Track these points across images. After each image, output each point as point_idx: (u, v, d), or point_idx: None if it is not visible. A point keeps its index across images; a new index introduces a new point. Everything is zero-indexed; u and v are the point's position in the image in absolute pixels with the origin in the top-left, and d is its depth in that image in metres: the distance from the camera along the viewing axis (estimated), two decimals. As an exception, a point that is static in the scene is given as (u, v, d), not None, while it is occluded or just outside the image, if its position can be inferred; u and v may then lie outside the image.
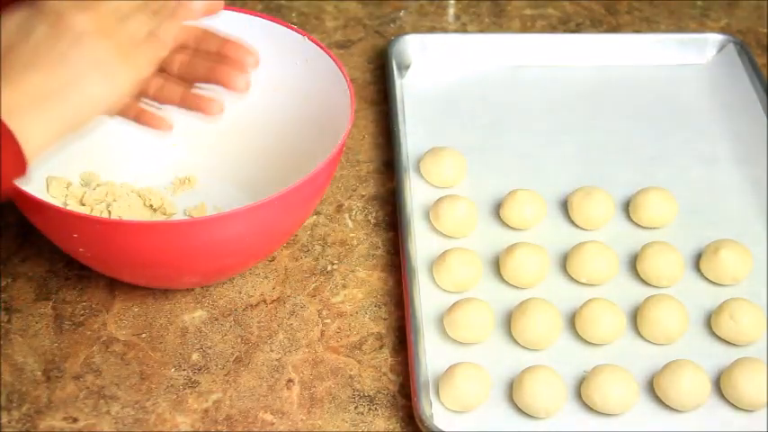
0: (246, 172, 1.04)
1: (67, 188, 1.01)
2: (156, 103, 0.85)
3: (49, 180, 1.00)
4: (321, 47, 0.98)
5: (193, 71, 0.83)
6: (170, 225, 0.88)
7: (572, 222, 1.05)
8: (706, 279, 1.00)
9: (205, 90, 0.84)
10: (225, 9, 0.97)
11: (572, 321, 0.95)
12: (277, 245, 0.99)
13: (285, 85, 1.02)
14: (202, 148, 1.05)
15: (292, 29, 1.00)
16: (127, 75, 0.77)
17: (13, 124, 0.70)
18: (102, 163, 1.03)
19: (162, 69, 0.83)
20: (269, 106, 1.03)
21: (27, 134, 0.71)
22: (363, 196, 1.08)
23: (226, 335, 0.95)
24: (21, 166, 0.71)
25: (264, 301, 0.97)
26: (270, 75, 0.98)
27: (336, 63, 0.97)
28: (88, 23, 0.74)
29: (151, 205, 1.02)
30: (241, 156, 1.05)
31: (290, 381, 0.91)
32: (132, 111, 0.85)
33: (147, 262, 0.89)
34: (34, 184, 0.90)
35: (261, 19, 1.01)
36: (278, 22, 1.01)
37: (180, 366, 0.92)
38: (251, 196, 1.01)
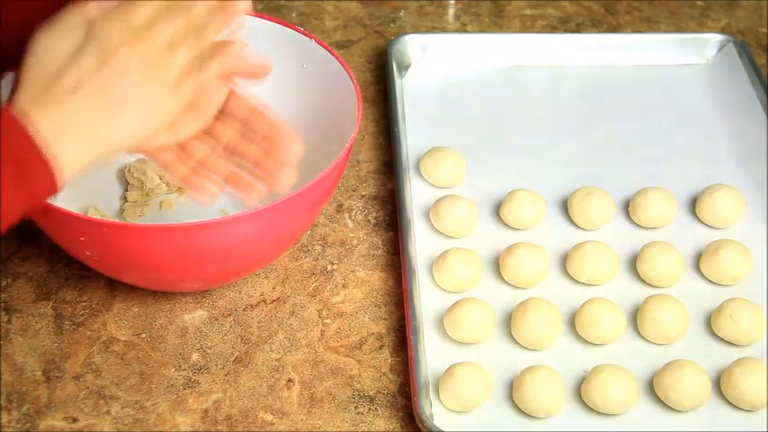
0: None
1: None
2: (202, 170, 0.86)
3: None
4: (328, 49, 0.98)
5: (241, 154, 0.85)
6: (177, 228, 0.87)
7: (572, 222, 1.05)
8: (706, 279, 1.00)
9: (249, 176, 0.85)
10: None
11: (572, 321, 0.95)
12: (284, 248, 0.98)
13: (291, 88, 1.01)
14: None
15: (299, 31, 1.00)
16: (164, 110, 0.77)
17: (54, 145, 0.71)
18: (110, 170, 1.04)
19: (210, 134, 0.84)
20: (275, 108, 1.02)
21: (65, 156, 0.72)
22: (363, 196, 1.08)
23: (226, 335, 0.95)
24: (54, 187, 0.72)
25: (264, 301, 0.97)
26: (276, 77, 0.98)
27: (343, 65, 0.96)
28: (136, 58, 0.74)
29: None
30: None
31: (290, 381, 0.91)
32: (179, 172, 0.85)
33: (154, 265, 0.89)
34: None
35: (268, 21, 1.00)
36: (284, 24, 1.01)
37: (180, 366, 0.92)
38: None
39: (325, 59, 0.98)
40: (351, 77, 0.96)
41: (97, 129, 0.74)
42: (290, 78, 1.01)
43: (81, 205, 1.00)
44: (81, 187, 1.00)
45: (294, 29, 1.01)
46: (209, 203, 0.86)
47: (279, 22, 1.01)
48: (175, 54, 0.76)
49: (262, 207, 0.86)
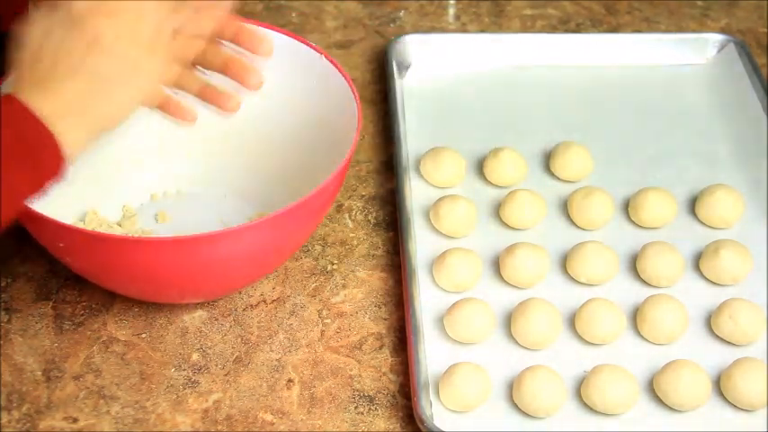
0: (254, 185, 1.03)
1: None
2: (174, 90, 0.86)
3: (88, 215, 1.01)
4: (334, 64, 0.97)
5: (210, 61, 0.84)
6: (167, 242, 0.86)
7: (572, 222, 1.05)
8: (706, 279, 1.00)
9: (223, 84, 0.85)
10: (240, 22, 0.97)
11: (572, 321, 0.95)
12: (286, 257, 0.98)
13: (291, 96, 1.01)
14: (210, 161, 1.05)
15: (310, 46, 0.99)
16: (150, 75, 0.78)
17: (56, 127, 0.73)
18: (111, 175, 1.03)
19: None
20: (277, 119, 1.02)
21: (63, 137, 0.73)
22: (363, 196, 1.08)
23: (226, 335, 0.95)
24: (61, 166, 0.74)
25: (264, 301, 0.97)
26: (279, 88, 0.98)
27: (344, 75, 0.96)
28: (105, 28, 0.75)
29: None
30: (248, 168, 1.04)
31: (290, 381, 0.91)
32: (157, 98, 0.86)
33: (149, 279, 0.88)
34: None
35: (273, 32, 1.00)
36: (293, 37, 1.00)
37: (180, 366, 0.92)
38: (258, 209, 1.02)
39: (329, 73, 0.97)
40: (352, 90, 0.95)
41: (88, 109, 0.75)
42: (292, 89, 1.00)
43: (80, 209, 1.00)
44: (81, 191, 0.99)
45: (302, 41, 1.00)
46: (191, 123, 0.86)
47: (280, 32, 1.00)
48: (146, 22, 0.76)
49: (264, 218, 0.86)
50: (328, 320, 0.96)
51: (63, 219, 0.86)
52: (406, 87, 1.19)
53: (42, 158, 0.72)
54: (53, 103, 0.73)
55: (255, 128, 1.02)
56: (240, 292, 0.98)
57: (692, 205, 1.06)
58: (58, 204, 0.86)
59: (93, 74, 0.75)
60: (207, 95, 0.85)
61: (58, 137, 0.73)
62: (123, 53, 0.76)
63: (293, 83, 1.00)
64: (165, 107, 0.85)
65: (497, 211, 1.05)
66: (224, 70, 0.84)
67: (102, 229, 0.99)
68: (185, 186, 1.05)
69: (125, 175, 1.04)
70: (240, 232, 0.86)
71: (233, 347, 0.94)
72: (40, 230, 0.88)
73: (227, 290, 0.96)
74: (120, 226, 1.01)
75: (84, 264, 0.89)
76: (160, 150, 1.04)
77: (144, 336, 0.94)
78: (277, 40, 0.99)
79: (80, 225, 0.99)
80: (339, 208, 1.06)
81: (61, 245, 0.87)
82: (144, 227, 1.02)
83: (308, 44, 0.99)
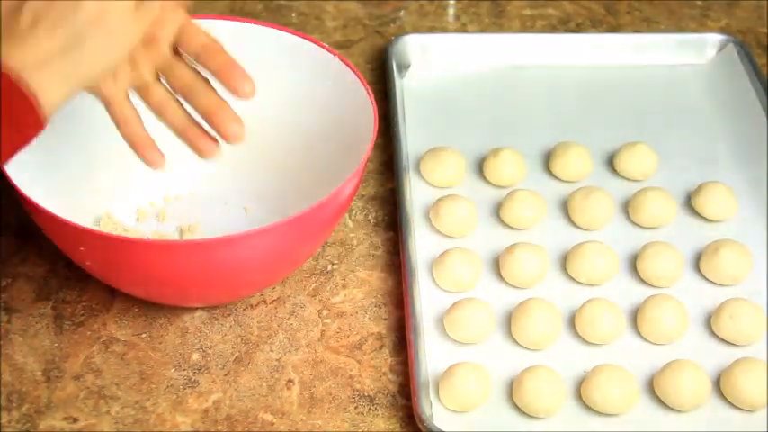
0: (268, 188, 1.03)
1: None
2: (156, 117, 0.85)
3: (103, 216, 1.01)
4: (348, 65, 0.97)
5: (194, 100, 0.83)
6: (185, 245, 0.86)
7: (572, 222, 1.05)
8: (706, 279, 1.00)
9: (208, 130, 0.84)
10: (252, 23, 0.98)
11: (572, 321, 0.95)
12: (300, 262, 0.98)
13: (308, 101, 1.00)
14: (223, 163, 1.04)
15: (323, 46, 0.99)
16: (126, 34, 0.77)
17: (29, 80, 0.72)
18: (125, 178, 1.03)
19: (166, 73, 0.83)
20: (290, 121, 1.02)
21: (41, 90, 0.72)
22: (363, 196, 1.08)
23: (226, 335, 0.95)
24: (39, 123, 0.72)
25: (264, 301, 0.97)
26: (292, 89, 0.98)
27: (361, 81, 0.95)
28: None
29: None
30: (262, 171, 1.04)
31: (290, 381, 0.91)
32: (134, 134, 0.85)
33: (160, 282, 0.88)
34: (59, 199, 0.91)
35: (287, 34, 1.00)
36: (306, 38, 1.00)
37: (180, 366, 0.92)
38: (272, 212, 1.02)
39: (344, 74, 0.97)
40: (368, 92, 0.94)
41: (64, 60, 0.74)
42: (306, 92, 1.00)
43: (94, 212, 1.00)
44: (95, 194, 1.00)
45: (317, 43, 0.99)
46: (158, 168, 0.86)
47: (291, 32, 1.00)
48: None
49: (282, 221, 0.85)
50: (328, 320, 0.96)
51: (78, 222, 0.86)
52: (406, 87, 1.19)
53: (19, 114, 0.71)
54: (23, 55, 0.72)
55: (268, 130, 1.02)
56: (240, 292, 0.98)
57: (692, 205, 1.06)
58: (72, 208, 0.86)
59: (65, 27, 0.74)
60: (189, 136, 0.84)
61: (33, 92, 0.71)
62: (102, 12, 0.75)
63: (306, 84, 1.00)
64: (137, 146, 0.85)
65: (497, 211, 1.05)
66: (218, 74, 0.82)
67: (117, 233, 0.99)
68: (199, 189, 1.05)
69: (139, 177, 1.03)
70: (256, 235, 0.86)
71: (233, 347, 0.94)
72: (59, 234, 0.88)
73: (240, 294, 0.96)
74: (134, 229, 1.01)
75: (102, 267, 0.90)
76: (174, 152, 1.04)
77: (144, 336, 0.94)
78: (288, 41, 1.00)
79: (95, 228, 0.99)
80: (339, 208, 1.06)
81: (82, 249, 0.87)
82: (157, 230, 1.02)
83: (321, 45, 0.99)
